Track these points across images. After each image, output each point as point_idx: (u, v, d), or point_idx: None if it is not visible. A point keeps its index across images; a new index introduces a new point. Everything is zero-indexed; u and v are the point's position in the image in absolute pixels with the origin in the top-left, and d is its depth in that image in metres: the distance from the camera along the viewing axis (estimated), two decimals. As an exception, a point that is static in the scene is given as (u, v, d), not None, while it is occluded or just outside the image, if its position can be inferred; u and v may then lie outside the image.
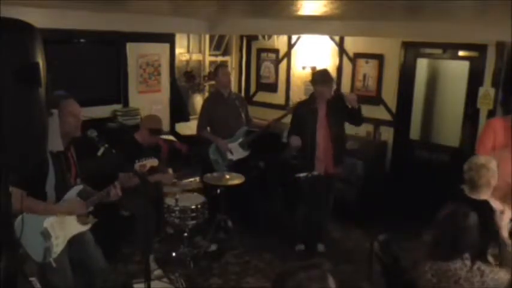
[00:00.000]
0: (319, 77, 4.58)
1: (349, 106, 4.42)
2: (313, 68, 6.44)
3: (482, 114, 5.10)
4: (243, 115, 5.22)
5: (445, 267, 2.47)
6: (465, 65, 5.33)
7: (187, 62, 6.75)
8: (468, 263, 2.45)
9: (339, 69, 6.28)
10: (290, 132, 4.76)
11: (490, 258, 2.58)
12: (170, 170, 4.42)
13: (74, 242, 3.08)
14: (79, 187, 3.10)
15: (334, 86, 4.67)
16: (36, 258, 2.88)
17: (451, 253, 2.48)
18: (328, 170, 4.60)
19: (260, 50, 7.16)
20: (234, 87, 7.17)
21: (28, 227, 2.85)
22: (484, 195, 2.95)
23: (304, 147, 4.51)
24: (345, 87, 6.24)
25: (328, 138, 4.54)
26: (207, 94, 7.00)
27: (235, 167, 5.00)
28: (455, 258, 2.46)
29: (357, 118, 4.60)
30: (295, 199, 4.78)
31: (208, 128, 5.25)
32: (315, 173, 4.50)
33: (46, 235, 2.91)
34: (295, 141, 4.52)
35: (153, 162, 3.28)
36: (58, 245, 2.97)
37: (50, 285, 2.94)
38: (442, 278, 2.48)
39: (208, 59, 7.00)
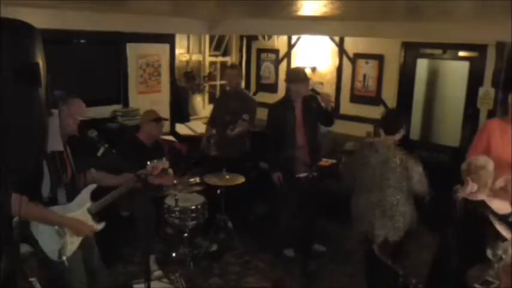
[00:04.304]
0: (295, 75, 4.56)
1: (323, 106, 4.43)
2: (313, 69, 6.46)
3: (482, 114, 5.11)
4: (244, 116, 5.20)
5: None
6: (465, 65, 5.33)
7: (187, 62, 6.76)
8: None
9: (339, 69, 6.28)
10: (268, 132, 4.69)
11: (490, 255, 2.58)
12: (170, 171, 4.42)
13: (83, 242, 3.08)
14: (92, 186, 3.09)
15: (310, 84, 4.63)
16: (52, 256, 2.88)
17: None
18: (308, 169, 4.56)
19: (260, 50, 7.17)
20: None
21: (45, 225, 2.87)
22: (481, 195, 2.96)
23: (284, 147, 4.47)
24: (345, 87, 6.25)
25: (305, 137, 4.53)
26: (207, 94, 7.01)
27: (235, 167, 5.00)
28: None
29: (328, 118, 4.60)
30: (291, 200, 4.73)
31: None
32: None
33: (61, 233, 2.92)
34: (276, 178, 4.55)
35: (164, 164, 3.25)
36: (73, 243, 2.96)
37: (63, 285, 2.94)
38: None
39: (208, 59, 7.00)
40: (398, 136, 3.43)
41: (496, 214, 2.82)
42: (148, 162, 3.19)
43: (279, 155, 4.50)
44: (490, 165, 2.98)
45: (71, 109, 3.00)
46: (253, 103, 5.41)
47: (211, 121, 5.47)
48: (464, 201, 2.98)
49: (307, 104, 4.50)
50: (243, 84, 7.36)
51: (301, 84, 4.45)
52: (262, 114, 6.51)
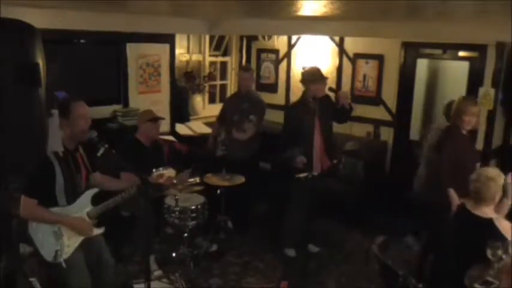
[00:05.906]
0: (312, 75, 4.51)
1: (342, 104, 4.41)
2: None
3: (482, 115, 5.09)
4: (251, 117, 5.21)
5: None
6: (465, 65, 5.33)
7: (187, 62, 6.75)
8: None
9: (339, 69, 6.28)
10: (284, 134, 4.66)
11: (490, 255, 2.54)
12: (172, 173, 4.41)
13: (89, 243, 3.07)
14: (94, 190, 3.08)
15: (327, 84, 4.62)
16: (47, 257, 2.87)
17: None
18: (324, 169, 4.58)
19: (260, 51, 7.17)
20: (233, 87, 7.18)
21: (42, 225, 2.87)
22: (488, 209, 2.86)
23: (302, 148, 4.47)
24: (345, 87, 6.24)
25: (321, 137, 4.52)
26: (207, 94, 7.01)
27: (236, 167, 5.00)
28: None
29: (345, 116, 4.60)
30: (293, 200, 4.74)
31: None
32: (315, 173, 4.49)
33: (58, 235, 2.91)
34: (301, 161, 4.43)
35: (170, 172, 3.24)
36: (70, 245, 2.95)
37: (63, 286, 2.93)
38: None
39: (208, 59, 7.00)
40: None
41: (503, 237, 2.66)
42: (154, 170, 3.16)
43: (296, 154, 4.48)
44: (500, 178, 2.90)
45: (80, 110, 3.00)
46: (262, 105, 5.39)
47: (220, 120, 5.48)
48: (468, 214, 2.90)
49: (323, 104, 4.50)
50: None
51: (320, 84, 4.44)
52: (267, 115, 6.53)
